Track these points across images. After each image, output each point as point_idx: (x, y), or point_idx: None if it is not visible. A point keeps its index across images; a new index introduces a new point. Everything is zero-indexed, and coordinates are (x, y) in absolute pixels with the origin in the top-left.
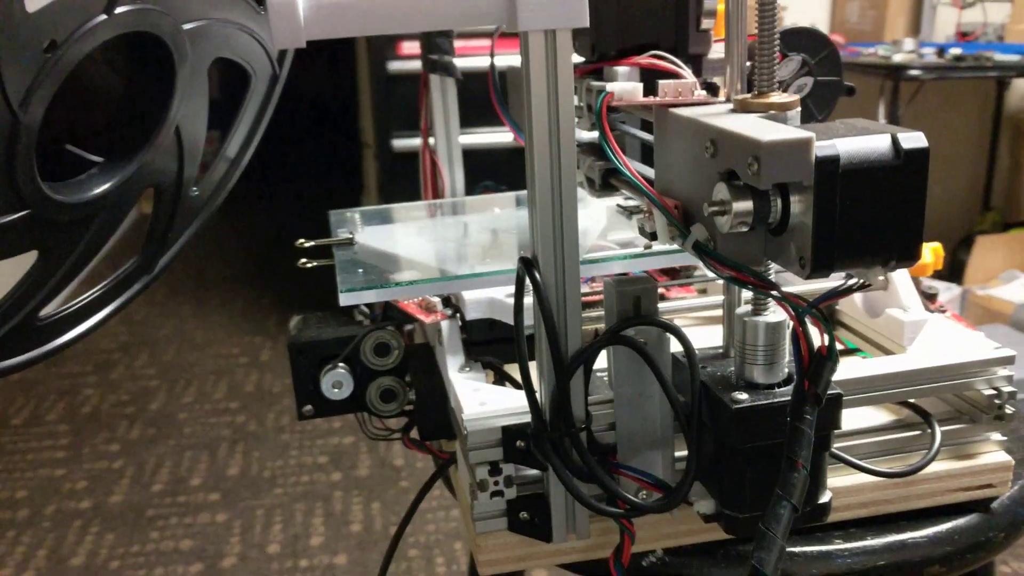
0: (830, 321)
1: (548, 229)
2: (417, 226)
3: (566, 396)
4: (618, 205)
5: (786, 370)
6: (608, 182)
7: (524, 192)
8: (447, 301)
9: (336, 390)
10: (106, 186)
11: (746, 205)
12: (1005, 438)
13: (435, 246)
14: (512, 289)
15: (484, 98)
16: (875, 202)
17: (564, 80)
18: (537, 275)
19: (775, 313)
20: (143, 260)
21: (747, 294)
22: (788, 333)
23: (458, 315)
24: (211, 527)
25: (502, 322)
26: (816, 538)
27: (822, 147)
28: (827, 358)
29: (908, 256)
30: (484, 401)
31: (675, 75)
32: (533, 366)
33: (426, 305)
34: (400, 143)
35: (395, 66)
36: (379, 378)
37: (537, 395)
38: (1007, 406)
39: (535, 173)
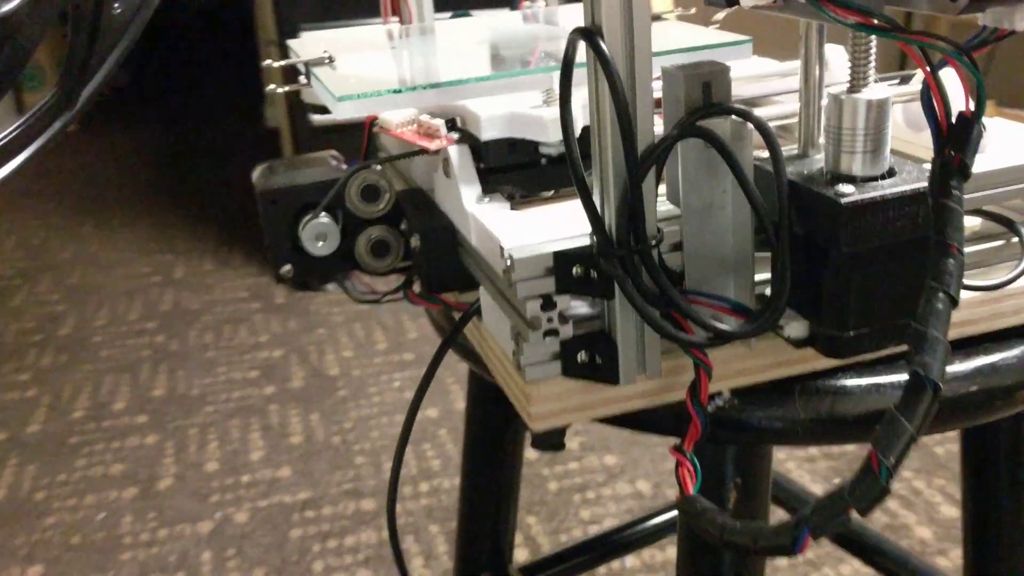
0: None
1: None
2: (400, 45)
3: (639, 202)
4: None
5: (888, 162)
6: None
7: (507, 12)
8: (452, 124)
9: (320, 243)
10: (14, 3)
11: None
12: None
13: (432, 60)
14: (537, 100)
15: None
16: None
17: None
18: (603, 45)
19: (876, 90)
20: (62, 92)
21: (836, 75)
22: (892, 112)
23: (467, 140)
24: (141, 450)
25: (523, 143)
26: (898, 367)
27: None
28: (973, 119)
29: None
30: (521, 227)
31: None
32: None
33: (426, 131)
34: (315, 36)
35: None
36: (368, 228)
37: (598, 207)
38: None
39: None
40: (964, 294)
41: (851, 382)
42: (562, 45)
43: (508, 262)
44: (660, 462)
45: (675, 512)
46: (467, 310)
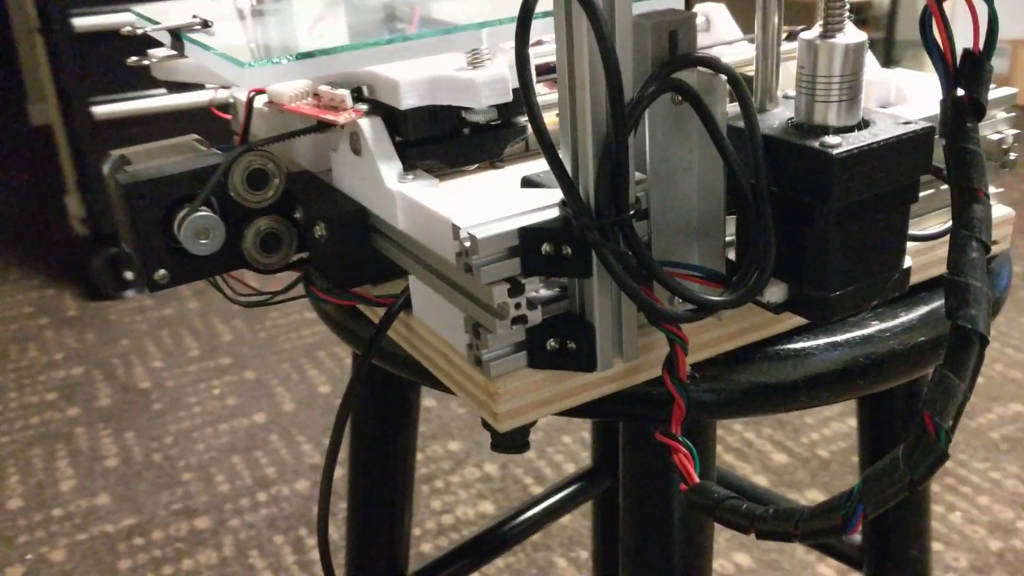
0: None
1: None
2: (271, 11)
3: (624, 164)
4: None
5: (862, 111)
6: None
7: None
8: (358, 95)
9: (203, 241)
10: None
11: None
12: (1001, 190)
13: (319, 26)
14: (461, 62)
15: None
16: None
17: None
18: None
19: (852, 33)
20: None
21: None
22: (867, 57)
23: (379, 111)
24: None
25: (445, 111)
26: (852, 324)
27: None
28: (985, 55)
29: None
30: (465, 205)
31: None
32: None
33: (328, 103)
34: (86, 21)
35: None
36: (256, 220)
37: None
38: (1012, 152)
39: None
40: None
41: (809, 344)
42: (438, 7)
43: (467, 243)
44: None
45: (564, 492)
46: (392, 305)
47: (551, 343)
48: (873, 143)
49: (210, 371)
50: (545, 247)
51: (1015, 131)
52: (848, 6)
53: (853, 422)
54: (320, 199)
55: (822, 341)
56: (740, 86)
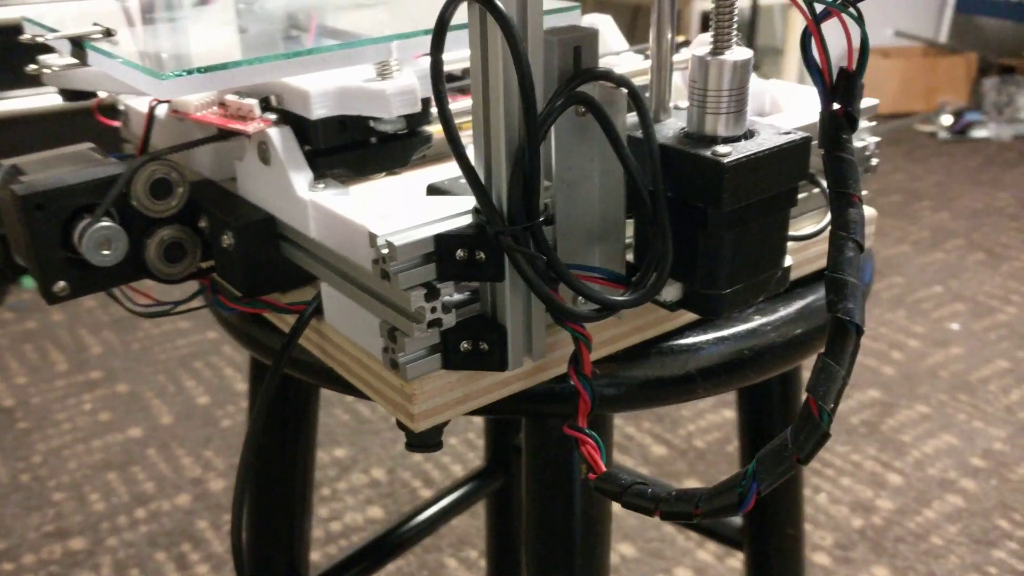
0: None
1: None
2: (169, 18)
3: (536, 172)
4: None
5: (746, 123)
6: None
7: None
8: (266, 104)
9: (105, 252)
10: None
11: None
12: (865, 192)
13: (221, 34)
14: (371, 73)
15: None
16: None
17: None
18: (500, 5)
19: (739, 51)
20: None
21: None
22: (752, 74)
23: (288, 121)
24: None
25: (354, 121)
26: (735, 319)
27: None
28: (857, 72)
29: None
30: (379, 212)
31: None
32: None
33: (236, 112)
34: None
35: None
36: (160, 230)
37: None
38: (874, 158)
39: None
40: None
41: (699, 338)
42: (334, 17)
43: (384, 251)
44: (391, 447)
45: (458, 492)
46: (303, 312)
47: (464, 345)
48: (759, 152)
49: (79, 386)
50: (459, 253)
51: (876, 139)
52: (736, 26)
53: (727, 413)
54: (226, 208)
55: (711, 336)
56: (639, 99)
